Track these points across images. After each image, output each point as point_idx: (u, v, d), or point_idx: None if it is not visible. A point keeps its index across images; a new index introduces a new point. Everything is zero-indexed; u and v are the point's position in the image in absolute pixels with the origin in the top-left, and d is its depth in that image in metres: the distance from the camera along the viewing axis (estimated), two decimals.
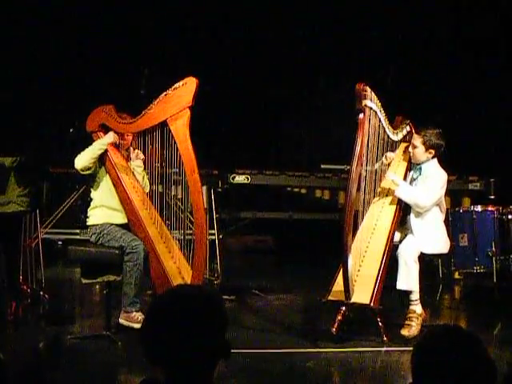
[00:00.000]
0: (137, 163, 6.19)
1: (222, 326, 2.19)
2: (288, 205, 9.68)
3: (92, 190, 6.13)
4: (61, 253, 8.85)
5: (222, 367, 4.78)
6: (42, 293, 6.84)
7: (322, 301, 5.95)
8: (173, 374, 2.13)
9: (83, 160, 5.93)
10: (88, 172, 6.00)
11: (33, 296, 6.77)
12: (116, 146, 6.13)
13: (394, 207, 6.14)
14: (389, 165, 6.31)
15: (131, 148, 6.21)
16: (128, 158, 6.22)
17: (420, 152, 5.99)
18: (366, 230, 6.11)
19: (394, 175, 6.13)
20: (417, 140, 6.00)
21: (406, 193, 6.02)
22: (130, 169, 6.16)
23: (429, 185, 5.97)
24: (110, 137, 6.00)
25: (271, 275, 8.77)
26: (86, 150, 5.96)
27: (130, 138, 6.14)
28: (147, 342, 2.15)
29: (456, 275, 7.90)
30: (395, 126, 6.31)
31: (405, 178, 6.20)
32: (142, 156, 6.16)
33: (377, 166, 6.23)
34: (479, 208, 7.28)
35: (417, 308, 5.86)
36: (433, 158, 6.03)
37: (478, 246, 7.14)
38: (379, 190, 6.26)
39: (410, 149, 6.07)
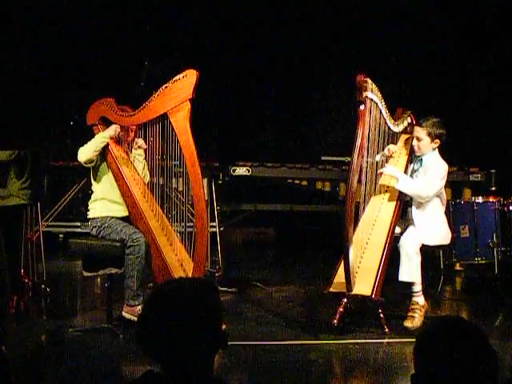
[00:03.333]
0: (138, 152, 6.18)
1: (218, 317, 2.20)
2: (289, 197, 9.68)
3: (93, 182, 6.13)
4: (62, 246, 8.86)
5: (224, 359, 4.82)
6: (43, 286, 6.85)
7: (323, 293, 5.96)
8: (170, 366, 2.14)
9: (86, 153, 5.93)
10: (91, 165, 6.00)
11: (34, 289, 6.77)
12: (118, 139, 6.13)
13: (395, 199, 6.14)
14: (390, 157, 6.30)
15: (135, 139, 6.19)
16: (130, 151, 6.21)
17: (426, 144, 5.98)
18: (367, 222, 6.11)
19: (392, 169, 6.11)
20: (421, 132, 5.98)
21: (406, 185, 6.01)
22: (131, 162, 6.16)
23: (429, 175, 5.96)
24: (113, 129, 6.00)
25: (272, 267, 8.78)
26: (89, 143, 5.96)
27: (133, 132, 6.14)
28: (144, 333, 2.16)
29: (457, 266, 7.91)
30: (396, 118, 6.31)
31: (406, 170, 6.20)
32: (144, 146, 6.13)
33: (378, 157, 6.22)
34: (480, 199, 7.27)
35: (419, 299, 5.86)
36: (434, 148, 6.02)
37: (479, 238, 7.13)
38: (380, 182, 6.25)
39: (414, 142, 6.05)
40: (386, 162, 6.26)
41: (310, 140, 10.17)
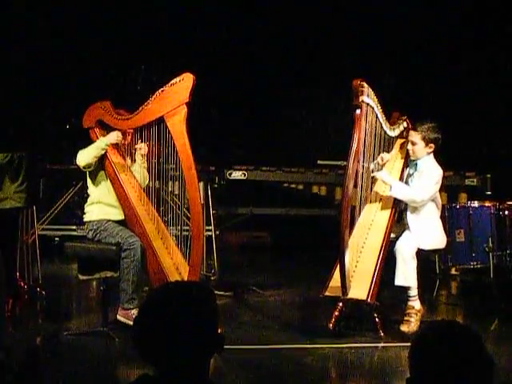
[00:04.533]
0: (139, 156, 6.16)
1: (215, 321, 2.20)
2: (285, 201, 9.68)
3: (89, 186, 6.12)
4: (58, 249, 8.84)
5: (220, 363, 4.81)
6: (38, 289, 6.83)
7: (319, 297, 5.96)
8: (166, 369, 2.14)
9: (86, 158, 5.92)
10: (89, 169, 6.00)
11: (29, 292, 6.76)
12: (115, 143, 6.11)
13: (390, 203, 6.14)
14: (383, 165, 6.30)
15: (139, 141, 6.15)
16: (128, 155, 6.20)
17: (420, 148, 5.98)
18: (362, 226, 6.12)
19: (385, 175, 6.10)
20: (415, 137, 5.98)
21: (399, 192, 6.00)
22: (128, 165, 6.15)
23: (423, 180, 5.96)
24: (114, 136, 5.97)
25: (268, 271, 8.77)
26: (90, 148, 5.94)
27: (130, 136, 6.12)
28: (140, 336, 2.16)
29: (453, 271, 7.91)
30: (392, 122, 6.31)
31: (402, 174, 6.20)
32: (145, 151, 6.11)
33: (372, 166, 6.22)
34: (476, 204, 7.27)
35: (415, 304, 5.86)
36: (429, 153, 6.02)
37: (475, 242, 7.13)
38: (374, 188, 6.25)
39: (409, 146, 6.05)
40: (382, 168, 6.26)
41: (306, 144, 10.17)
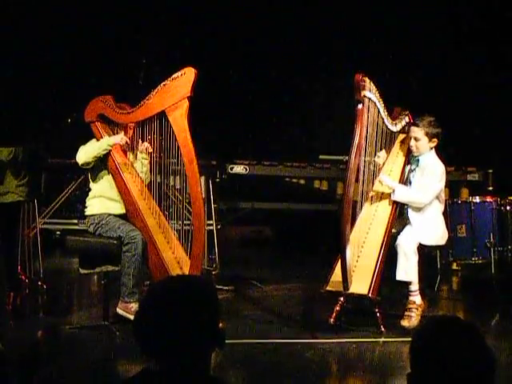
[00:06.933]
0: (143, 155, 6.16)
1: (216, 316, 2.20)
2: (286, 195, 9.68)
3: (91, 180, 6.12)
4: (59, 243, 8.85)
5: (220, 357, 4.81)
6: (40, 283, 6.84)
7: (320, 291, 5.96)
8: (167, 364, 2.14)
9: (86, 156, 5.92)
10: (87, 167, 6.00)
11: (31, 286, 6.76)
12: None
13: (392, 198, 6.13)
14: (383, 164, 6.29)
15: (140, 141, 6.14)
16: (130, 149, 6.19)
17: (423, 144, 5.96)
18: (364, 221, 6.12)
19: (389, 180, 6.08)
20: (418, 132, 5.96)
21: (402, 196, 6.00)
22: (129, 160, 6.15)
23: (425, 181, 5.95)
24: (118, 138, 5.96)
25: (269, 266, 8.77)
26: (92, 148, 5.93)
27: (132, 130, 6.11)
28: (141, 330, 2.16)
29: (454, 266, 7.91)
30: (394, 117, 6.30)
31: (403, 170, 6.19)
32: (150, 149, 6.11)
33: (372, 167, 6.20)
34: (477, 199, 7.26)
35: (416, 299, 5.86)
36: (431, 148, 6.02)
37: (477, 237, 7.12)
38: (377, 182, 6.24)
39: (412, 142, 6.02)
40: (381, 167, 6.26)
41: (307, 139, 10.17)
